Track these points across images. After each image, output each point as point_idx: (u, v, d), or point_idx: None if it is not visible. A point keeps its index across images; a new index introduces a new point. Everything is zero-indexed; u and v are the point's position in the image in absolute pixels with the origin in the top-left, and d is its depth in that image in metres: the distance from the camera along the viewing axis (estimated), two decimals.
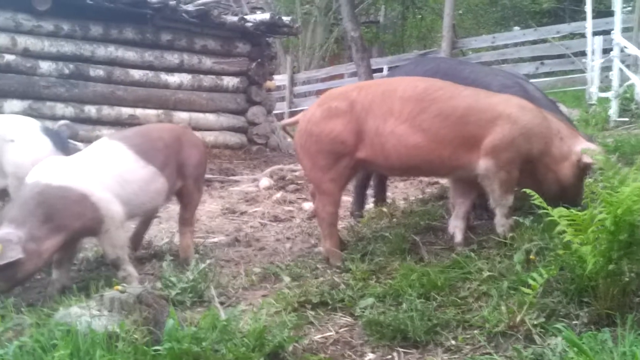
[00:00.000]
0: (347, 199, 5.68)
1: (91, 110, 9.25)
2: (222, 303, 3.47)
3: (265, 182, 7.30)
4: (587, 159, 3.65)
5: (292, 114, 16.80)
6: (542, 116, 3.77)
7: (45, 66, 8.97)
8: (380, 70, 16.68)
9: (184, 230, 4.49)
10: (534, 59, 14.65)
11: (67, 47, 9.12)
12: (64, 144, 4.34)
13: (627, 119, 7.58)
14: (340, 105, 3.88)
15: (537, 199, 3.00)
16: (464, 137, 3.70)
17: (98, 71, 9.33)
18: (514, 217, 3.73)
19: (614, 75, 8.00)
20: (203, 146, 4.66)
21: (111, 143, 4.13)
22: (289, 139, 4.19)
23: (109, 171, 3.90)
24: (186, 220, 4.54)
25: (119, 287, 2.99)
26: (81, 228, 3.76)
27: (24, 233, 3.52)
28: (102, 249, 4.00)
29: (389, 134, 3.75)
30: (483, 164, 3.70)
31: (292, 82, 19.70)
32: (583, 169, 3.69)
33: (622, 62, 8.64)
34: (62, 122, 4.60)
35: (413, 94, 3.79)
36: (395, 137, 3.74)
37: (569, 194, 3.67)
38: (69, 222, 3.67)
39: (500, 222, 3.78)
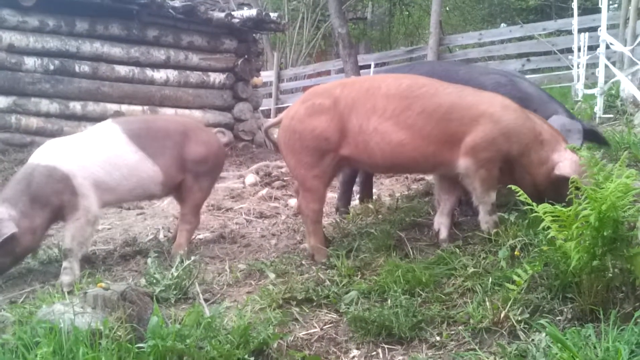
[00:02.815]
0: (332, 196, 5.69)
1: (76, 106, 9.19)
2: (206, 300, 3.46)
3: (251, 178, 7.28)
4: (558, 171, 3.64)
5: (279, 110, 16.80)
6: (525, 117, 3.76)
7: (30, 62, 8.90)
8: (368, 66, 16.68)
9: (181, 227, 4.50)
10: (520, 55, 14.69)
11: (53, 43, 9.05)
12: None
13: (612, 116, 7.60)
14: (324, 102, 3.87)
15: (522, 195, 3.01)
16: (447, 135, 3.70)
17: (83, 67, 9.26)
18: (499, 214, 3.73)
19: (600, 72, 8.02)
20: (214, 146, 4.54)
21: (110, 126, 4.33)
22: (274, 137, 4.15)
23: (97, 156, 4.13)
24: (183, 216, 4.54)
25: (103, 285, 2.98)
26: (59, 206, 3.99)
27: (16, 211, 3.84)
28: (64, 234, 4.10)
29: (372, 132, 3.74)
30: (463, 163, 3.69)
31: (279, 79, 19.66)
32: (558, 179, 3.64)
33: (608, 59, 8.67)
34: None
35: (397, 91, 3.78)
36: (379, 134, 3.73)
37: (547, 198, 3.63)
38: (51, 198, 3.95)
39: (485, 219, 3.78)
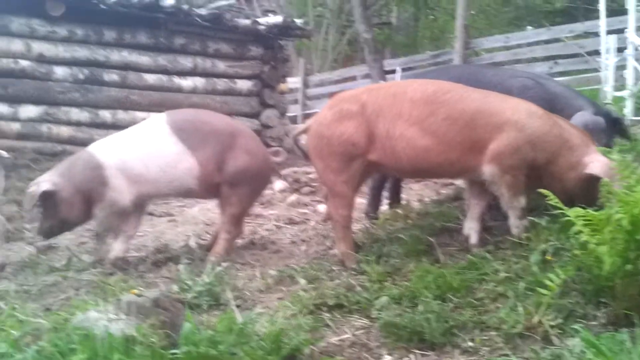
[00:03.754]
0: (361, 201, 5.69)
1: (106, 114, 9.30)
2: (238, 306, 3.47)
3: (279, 185, 7.27)
4: (589, 171, 3.61)
5: (305, 116, 16.82)
6: (552, 123, 3.72)
7: (60, 71, 9.03)
8: (393, 71, 16.62)
9: (220, 235, 4.50)
10: (547, 58, 14.55)
11: (81, 52, 9.17)
12: None
13: None
14: (352, 107, 3.89)
15: (553, 200, 2.99)
16: (471, 141, 3.69)
17: (112, 76, 9.37)
18: (530, 218, 3.71)
19: (629, 74, 7.95)
20: (259, 159, 4.44)
21: (157, 118, 4.47)
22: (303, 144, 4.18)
23: (137, 148, 4.33)
24: (222, 225, 4.53)
25: (136, 291, 3.01)
26: (87, 191, 4.32)
27: (61, 180, 4.31)
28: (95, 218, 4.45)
29: (398, 137, 3.75)
30: (488, 170, 3.69)
31: (305, 85, 19.69)
32: (589, 181, 3.62)
33: (637, 60, 8.58)
34: None
35: (422, 96, 3.79)
36: (405, 139, 3.74)
37: (578, 202, 3.60)
38: (84, 183, 4.31)
39: (515, 224, 3.76)
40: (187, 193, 4.57)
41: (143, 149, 4.33)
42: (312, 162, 4.12)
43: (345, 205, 3.97)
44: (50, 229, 4.46)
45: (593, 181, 3.57)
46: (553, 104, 4.12)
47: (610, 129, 4.29)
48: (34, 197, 4.29)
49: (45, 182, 4.32)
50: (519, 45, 15.34)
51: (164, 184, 4.35)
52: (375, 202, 5.16)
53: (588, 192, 3.56)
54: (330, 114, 3.96)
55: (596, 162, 3.62)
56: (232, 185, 4.36)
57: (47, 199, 4.31)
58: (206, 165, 4.31)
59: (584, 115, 4.19)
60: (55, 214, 4.37)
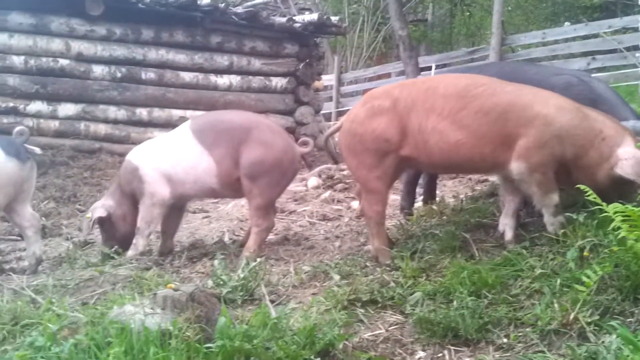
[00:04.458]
0: (394, 198, 5.68)
1: (142, 112, 9.41)
2: (272, 301, 3.48)
3: (313, 181, 7.31)
4: (619, 170, 3.52)
5: (339, 113, 16.81)
6: (582, 116, 3.65)
7: (98, 70, 9.16)
8: (429, 68, 16.57)
9: (251, 228, 4.57)
10: (585, 54, 14.39)
11: (120, 51, 9.29)
12: (17, 150, 4.46)
13: None
14: (384, 103, 3.89)
15: (591, 195, 2.95)
16: (504, 135, 3.65)
17: (149, 74, 9.48)
18: (567, 214, 3.66)
19: None
20: (276, 150, 4.46)
21: (185, 122, 4.72)
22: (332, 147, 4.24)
23: (168, 150, 4.59)
24: (250, 219, 4.65)
25: (172, 286, 3.03)
26: (132, 192, 4.64)
27: (113, 201, 4.71)
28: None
29: (431, 131, 3.74)
30: (516, 167, 3.65)
31: (340, 82, 19.66)
32: (620, 178, 3.53)
33: None
34: (18, 128, 4.73)
35: (455, 90, 3.77)
36: (437, 133, 3.72)
37: (610, 196, 3.41)
38: (127, 186, 4.65)
39: (550, 221, 3.70)
40: (212, 193, 4.71)
41: (170, 152, 4.58)
42: (345, 159, 4.12)
43: (379, 201, 3.96)
44: (117, 244, 4.72)
45: (624, 179, 3.51)
46: (597, 105, 4.01)
47: None
48: (91, 224, 4.72)
49: (97, 210, 4.72)
50: (556, 41, 15.16)
51: (190, 185, 4.55)
52: (410, 197, 5.14)
53: (620, 187, 3.47)
54: (363, 110, 3.96)
55: (629, 160, 3.54)
56: (250, 177, 4.40)
57: (104, 223, 4.76)
58: (222, 163, 4.43)
59: (632, 124, 4.09)
60: (115, 234, 4.77)
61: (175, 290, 2.98)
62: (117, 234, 4.74)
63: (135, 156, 4.70)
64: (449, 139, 3.70)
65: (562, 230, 3.60)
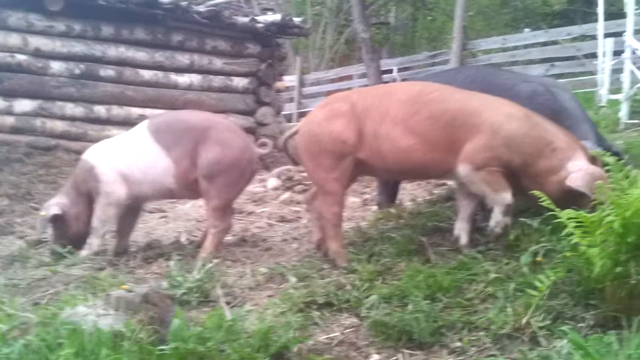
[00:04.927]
0: (353, 200, 5.70)
1: (101, 110, 9.27)
2: (228, 303, 3.46)
3: (272, 182, 7.29)
4: (570, 183, 3.57)
5: (301, 114, 16.82)
6: (531, 126, 3.69)
7: (56, 66, 9.00)
8: (390, 71, 16.68)
9: (208, 229, 4.55)
10: (544, 60, 14.60)
11: (78, 48, 9.14)
12: None
13: (637, 121, 7.53)
14: (342, 106, 3.93)
15: (545, 201, 2.99)
16: (453, 141, 3.69)
17: (108, 71, 9.35)
18: (522, 219, 3.70)
19: (625, 77, 7.95)
20: (233, 149, 4.44)
21: (143, 122, 4.68)
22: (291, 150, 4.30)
23: (125, 150, 4.54)
24: (208, 220, 4.64)
25: (125, 287, 3.00)
26: (87, 191, 4.57)
27: (67, 200, 4.61)
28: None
29: (385, 136, 3.77)
30: (461, 169, 3.69)
31: (302, 83, 19.71)
32: (570, 191, 3.56)
33: (634, 64, 8.59)
34: None
35: (408, 96, 3.82)
36: (390, 139, 3.76)
37: (561, 207, 3.53)
38: (82, 185, 4.59)
39: (496, 219, 3.72)
40: (170, 193, 4.67)
41: (127, 152, 4.53)
42: (302, 161, 4.13)
43: (336, 203, 3.97)
44: (71, 245, 4.62)
45: (573, 192, 3.54)
46: (560, 118, 4.06)
47: None
48: (45, 222, 4.62)
49: (51, 207, 4.62)
50: (516, 47, 15.37)
51: (147, 185, 4.51)
52: (386, 191, 5.14)
53: (570, 199, 3.43)
54: (321, 112, 4.00)
55: (578, 173, 3.58)
56: (208, 178, 4.38)
57: (56, 221, 4.64)
58: (180, 163, 4.41)
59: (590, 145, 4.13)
60: (67, 233, 4.66)
61: (129, 291, 2.95)
62: (69, 232, 4.65)
63: (92, 155, 4.64)
64: (402, 144, 3.74)
65: (500, 233, 3.65)
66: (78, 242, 4.63)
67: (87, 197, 4.60)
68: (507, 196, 3.70)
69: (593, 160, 3.64)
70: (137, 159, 4.48)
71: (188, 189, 4.52)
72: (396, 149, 3.75)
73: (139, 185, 4.50)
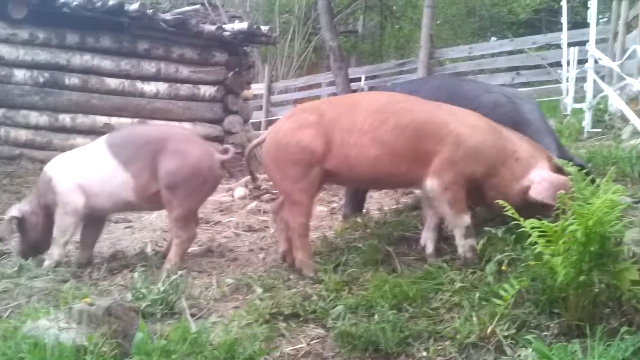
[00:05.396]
0: (321, 209, 5.69)
1: (66, 118, 9.20)
2: (193, 315, 3.43)
3: (240, 191, 7.26)
4: (532, 193, 3.58)
5: (269, 122, 16.80)
6: (496, 137, 3.71)
7: (20, 74, 8.93)
8: (358, 79, 16.71)
9: (172, 239, 4.51)
10: (510, 69, 14.77)
11: (43, 56, 9.08)
12: None
13: (600, 130, 7.62)
14: (310, 116, 3.92)
15: (510, 210, 3.00)
16: (418, 152, 3.69)
17: (73, 80, 9.28)
18: (487, 228, 3.71)
19: (588, 87, 8.03)
20: (192, 158, 4.40)
21: (102, 137, 4.67)
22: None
23: (83, 163, 4.54)
24: (171, 231, 4.60)
25: (88, 300, 2.96)
26: (46, 204, 4.55)
27: (29, 207, 4.64)
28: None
29: (352, 146, 3.77)
30: (429, 184, 3.69)
31: (270, 91, 19.70)
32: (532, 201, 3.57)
33: (598, 73, 8.69)
34: None
35: (375, 106, 3.82)
36: (358, 148, 3.76)
37: (523, 217, 3.56)
38: (42, 197, 4.57)
39: (460, 243, 3.73)
40: (130, 206, 4.66)
41: (85, 165, 4.53)
42: (269, 171, 4.13)
43: (303, 213, 3.95)
44: (25, 253, 4.68)
45: (537, 201, 3.56)
46: (522, 129, 4.06)
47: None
48: (11, 226, 4.65)
49: (12, 210, 4.67)
50: (483, 56, 15.51)
51: (104, 199, 4.49)
52: (352, 202, 5.13)
53: (533, 209, 3.41)
54: (289, 122, 3.99)
55: (541, 183, 3.59)
56: (168, 188, 4.36)
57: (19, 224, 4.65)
58: (139, 176, 4.39)
59: None
60: (25, 239, 4.68)
61: (91, 304, 2.91)
62: (26, 239, 4.65)
63: (51, 167, 4.64)
64: (369, 154, 3.73)
65: (471, 255, 3.67)
66: (32, 250, 4.67)
67: (47, 208, 4.57)
68: (466, 218, 3.71)
69: (557, 169, 3.66)
70: (95, 173, 4.47)
71: (150, 201, 4.50)
72: (364, 159, 3.75)
73: (96, 198, 4.48)
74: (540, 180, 3.60)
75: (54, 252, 4.53)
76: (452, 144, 3.64)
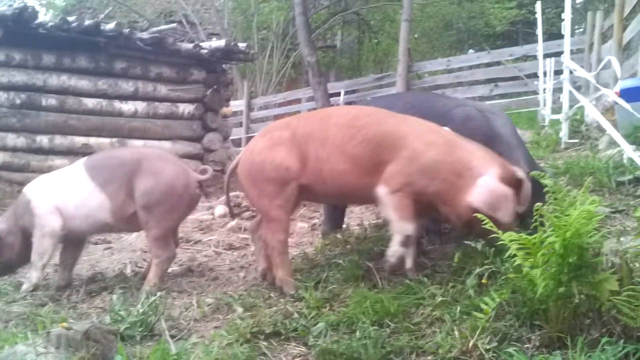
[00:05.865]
0: (302, 225, 5.67)
1: (43, 140, 9.14)
2: (173, 336, 3.39)
3: (220, 209, 7.24)
4: (470, 199, 3.52)
5: (249, 139, 16.77)
6: (449, 152, 3.64)
7: None
8: (338, 94, 16.76)
9: (151, 260, 4.50)
10: (488, 81, 14.85)
11: (19, 77, 9.03)
12: None
13: (577, 141, 7.67)
14: (283, 133, 3.94)
15: (488, 223, 3.00)
16: (379, 164, 3.69)
17: (50, 100, 9.23)
18: (466, 242, 3.70)
19: (564, 98, 8.10)
20: (166, 177, 4.39)
21: (80, 160, 4.68)
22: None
23: (61, 186, 4.55)
24: (150, 251, 4.60)
25: (65, 324, 2.93)
26: (23, 225, 4.57)
27: (5, 226, 4.63)
28: None
29: (325, 160, 3.79)
30: (379, 191, 3.69)
31: (250, 108, 19.70)
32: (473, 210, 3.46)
33: (574, 83, 8.76)
34: None
35: (345, 120, 3.85)
36: (330, 163, 3.78)
37: (475, 232, 3.47)
38: (20, 219, 4.58)
39: (393, 249, 3.72)
40: (107, 227, 4.65)
41: (63, 188, 4.54)
42: (245, 190, 4.14)
43: (281, 229, 3.95)
44: (1, 269, 4.73)
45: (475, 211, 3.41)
46: (493, 143, 4.03)
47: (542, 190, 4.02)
48: None
49: None
50: (461, 68, 15.65)
51: (81, 220, 4.50)
52: (331, 220, 5.12)
53: (476, 220, 3.25)
54: (263, 140, 4.01)
55: (480, 188, 3.51)
56: (144, 208, 4.35)
57: None
58: (115, 198, 4.40)
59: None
60: (3, 256, 4.67)
61: (68, 329, 2.88)
62: (1, 259, 4.65)
63: (30, 189, 4.66)
64: (338, 168, 3.76)
65: (393, 265, 3.69)
66: (6, 270, 4.73)
67: (24, 230, 4.58)
68: (409, 227, 3.69)
69: (507, 179, 3.56)
70: (72, 195, 4.48)
71: (127, 222, 4.49)
72: (335, 173, 3.77)
73: (74, 220, 4.49)
74: (480, 186, 3.53)
75: (33, 276, 4.50)
76: (407, 158, 3.64)
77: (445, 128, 3.88)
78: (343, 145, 3.76)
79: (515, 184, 3.56)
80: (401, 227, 3.69)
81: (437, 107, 4.46)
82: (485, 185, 3.50)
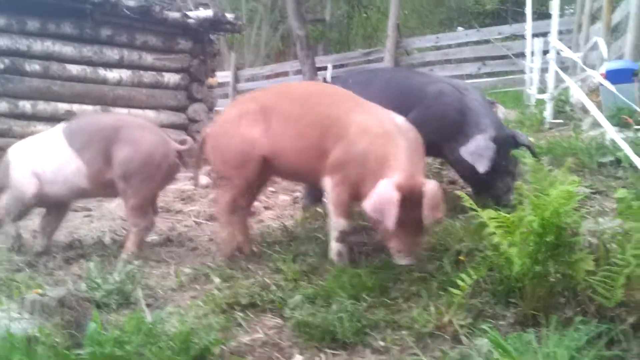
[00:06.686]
0: (284, 198, 5.66)
1: (26, 105, 9.04)
2: (149, 305, 3.39)
3: (202, 180, 7.19)
4: (364, 204, 3.39)
5: None
6: (380, 143, 3.48)
7: None
8: (325, 68, 16.70)
9: (129, 229, 4.48)
10: (476, 59, 14.84)
11: (2, 42, 8.90)
12: None
13: (561, 121, 7.68)
14: (251, 106, 3.96)
15: (467, 201, 3.01)
16: (323, 149, 3.64)
17: (34, 66, 9.11)
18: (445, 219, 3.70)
19: (550, 78, 8.10)
20: (145, 146, 4.37)
21: (59, 124, 4.67)
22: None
23: (39, 151, 4.54)
24: (127, 219, 4.56)
25: (39, 290, 2.92)
26: (2, 187, 4.62)
27: None
28: None
29: (281, 135, 3.80)
30: (325, 183, 3.68)
31: (236, 79, 19.60)
32: None
33: (562, 64, 8.75)
34: None
35: (301, 97, 3.87)
36: (285, 138, 3.78)
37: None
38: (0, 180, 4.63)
39: (331, 245, 3.74)
40: (84, 193, 4.64)
41: (42, 152, 4.54)
42: (212, 158, 4.13)
43: (233, 191, 3.99)
44: None
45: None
46: (464, 117, 4.29)
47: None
48: None
49: None
50: (449, 46, 15.60)
51: (59, 185, 4.49)
52: (312, 194, 5.10)
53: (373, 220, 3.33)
54: (232, 112, 4.05)
55: (374, 190, 3.36)
56: (122, 177, 4.34)
57: None
58: (93, 164, 4.39)
59: (478, 141, 4.18)
60: None
61: (42, 294, 2.87)
62: None
63: (11, 151, 4.68)
64: (292, 145, 3.76)
65: (338, 260, 3.68)
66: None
67: (2, 189, 4.65)
68: (343, 223, 3.69)
69: (408, 188, 3.31)
70: (50, 160, 4.47)
71: (104, 187, 4.48)
72: (288, 150, 3.78)
73: (51, 185, 4.48)
74: (376, 188, 3.36)
75: (8, 230, 4.66)
76: (343, 147, 3.57)
77: (402, 118, 3.72)
78: (296, 123, 3.75)
79: (416, 194, 3.30)
80: (337, 223, 3.69)
81: (413, 84, 4.56)
82: (378, 188, 3.35)
